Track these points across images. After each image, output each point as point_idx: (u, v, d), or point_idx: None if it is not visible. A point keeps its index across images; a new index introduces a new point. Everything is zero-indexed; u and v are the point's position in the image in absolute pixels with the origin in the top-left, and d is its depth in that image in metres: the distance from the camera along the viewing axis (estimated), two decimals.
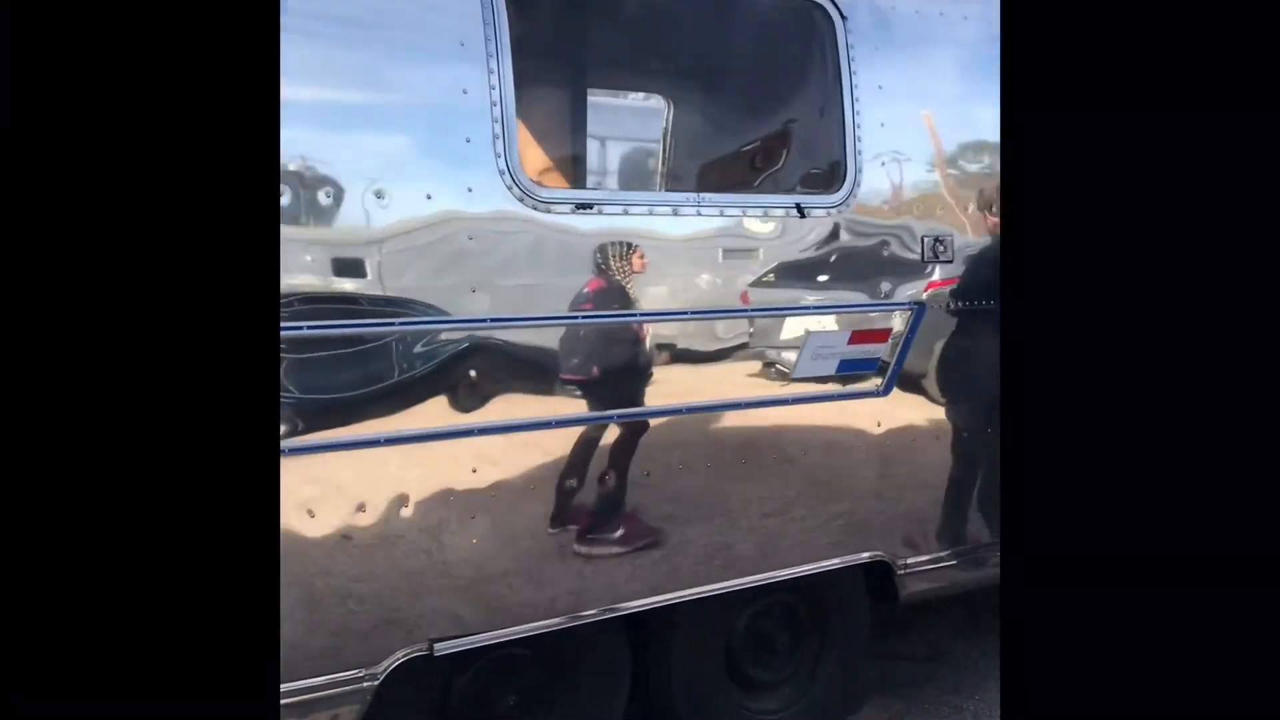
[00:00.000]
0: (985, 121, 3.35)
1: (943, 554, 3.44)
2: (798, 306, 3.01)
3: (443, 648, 2.62)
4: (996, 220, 3.36)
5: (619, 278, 2.75)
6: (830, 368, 3.08)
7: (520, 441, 2.66)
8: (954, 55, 3.33)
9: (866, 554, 3.28)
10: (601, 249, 2.70)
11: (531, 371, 2.66)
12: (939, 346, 3.26)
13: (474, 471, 2.60)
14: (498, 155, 2.54)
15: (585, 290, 2.70)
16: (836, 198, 3.03)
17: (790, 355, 3.01)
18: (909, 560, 3.36)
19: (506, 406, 2.62)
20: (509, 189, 2.56)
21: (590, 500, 2.77)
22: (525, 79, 2.57)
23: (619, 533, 2.84)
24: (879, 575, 3.36)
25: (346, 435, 2.41)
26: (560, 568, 2.76)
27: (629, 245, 2.74)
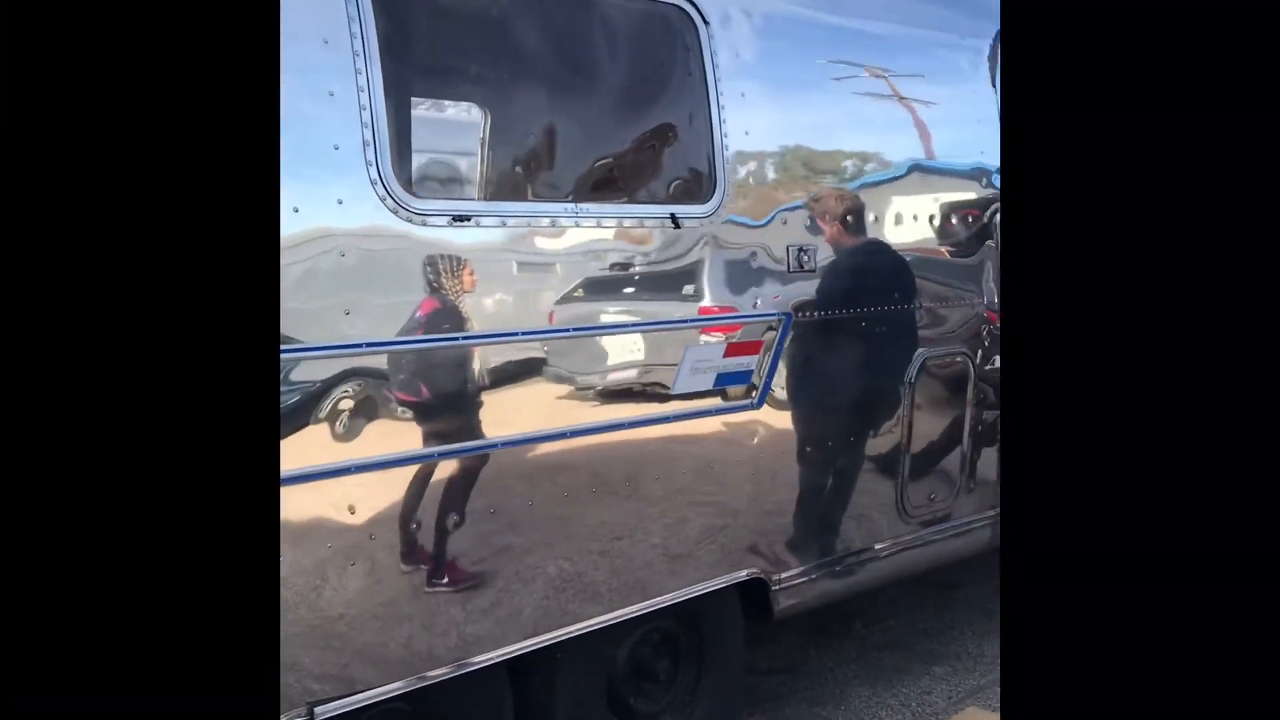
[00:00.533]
0: (842, 129, 3.37)
1: (814, 566, 3.41)
2: (677, 320, 2.91)
3: (323, 711, 2.35)
4: (853, 230, 3.38)
5: (499, 294, 2.57)
6: (708, 382, 2.99)
7: (402, 477, 2.44)
8: (813, 62, 3.33)
9: (744, 572, 3.21)
10: (479, 264, 2.51)
11: (414, 399, 2.44)
12: (805, 356, 3.24)
13: (351, 513, 2.36)
14: (369, 163, 2.31)
15: (465, 309, 2.50)
16: (707, 208, 2.95)
17: (670, 371, 2.90)
18: (783, 575, 3.32)
19: (386, 439, 2.39)
20: (382, 200, 2.33)
21: (473, 538, 2.57)
22: (396, 80, 2.36)
23: (504, 572, 2.65)
24: (753, 592, 3.29)
25: None
26: (444, 614, 2.54)
27: (508, 259, 2.57)
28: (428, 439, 2.47)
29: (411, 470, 2.44)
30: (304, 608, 2.31)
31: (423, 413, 2.47)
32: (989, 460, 3.97)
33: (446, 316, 2.47)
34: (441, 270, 2.46)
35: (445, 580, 2.55)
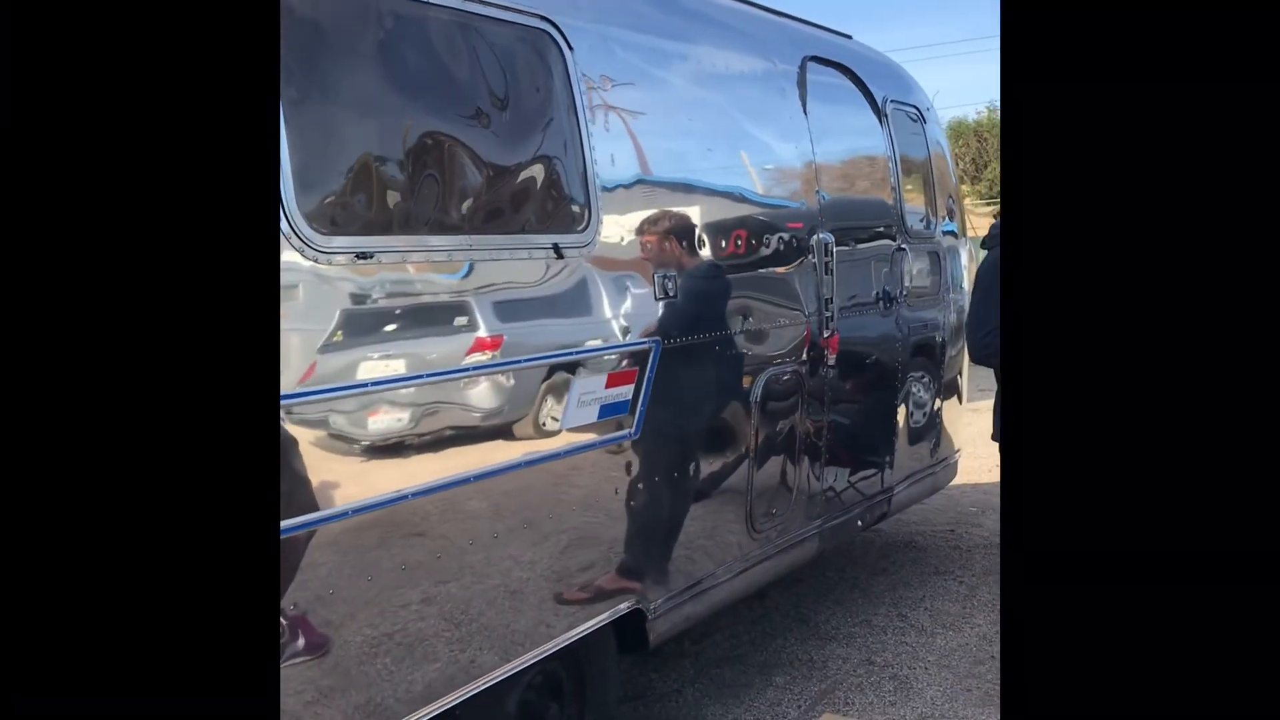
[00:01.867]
0: (695, 158, 3.39)
1: (682, 590, 3.40)
2: (563, 352, 2.82)
3: None
4: (706, 254, 3.40)
5: (402, 335, 2.39)
6: (593, 414, 2.92)
7: (304, 543, 2.22)
8: (670, 90, 3.32)
9: (625, 605, 3.15)
10: (384, 302, 2.34)
11: (324, 453, 2.23)
12: (673, 382, 3.22)
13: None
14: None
15: (372, 354, 2.31)
16: (584, 237, 2.88)
17: (557, 406, 2.80)
18: (657, 603, 3.29)
19: (294, 500, 2.17)
20: (287, 239, 2.12)
21: (379, 595, 2.38)
22: (297, 108, 2.15)
23: (420, 627, 2.47)
24: (629, 624, 3.24)
25: None
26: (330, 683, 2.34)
27: (413, 297, 2.41)
28: (331, 496, 2.26)
29: (313, 533, 2.23)
30: None
31: (332, 469, 2.26)
32: (812, 474, 4.11)
33: (360, 363, 2.28)
34: (352, 312, 2.26)
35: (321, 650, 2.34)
